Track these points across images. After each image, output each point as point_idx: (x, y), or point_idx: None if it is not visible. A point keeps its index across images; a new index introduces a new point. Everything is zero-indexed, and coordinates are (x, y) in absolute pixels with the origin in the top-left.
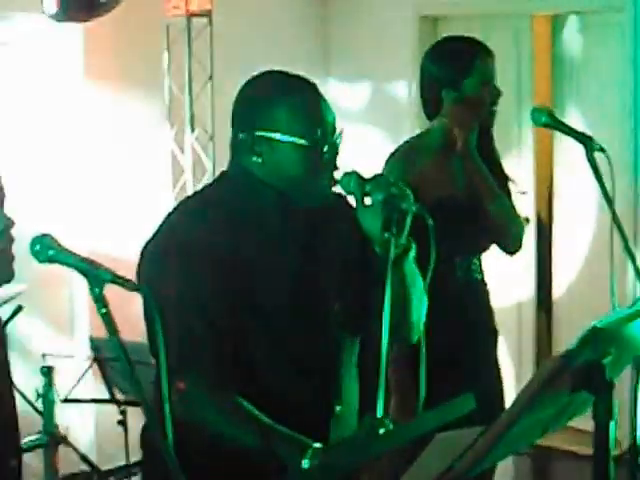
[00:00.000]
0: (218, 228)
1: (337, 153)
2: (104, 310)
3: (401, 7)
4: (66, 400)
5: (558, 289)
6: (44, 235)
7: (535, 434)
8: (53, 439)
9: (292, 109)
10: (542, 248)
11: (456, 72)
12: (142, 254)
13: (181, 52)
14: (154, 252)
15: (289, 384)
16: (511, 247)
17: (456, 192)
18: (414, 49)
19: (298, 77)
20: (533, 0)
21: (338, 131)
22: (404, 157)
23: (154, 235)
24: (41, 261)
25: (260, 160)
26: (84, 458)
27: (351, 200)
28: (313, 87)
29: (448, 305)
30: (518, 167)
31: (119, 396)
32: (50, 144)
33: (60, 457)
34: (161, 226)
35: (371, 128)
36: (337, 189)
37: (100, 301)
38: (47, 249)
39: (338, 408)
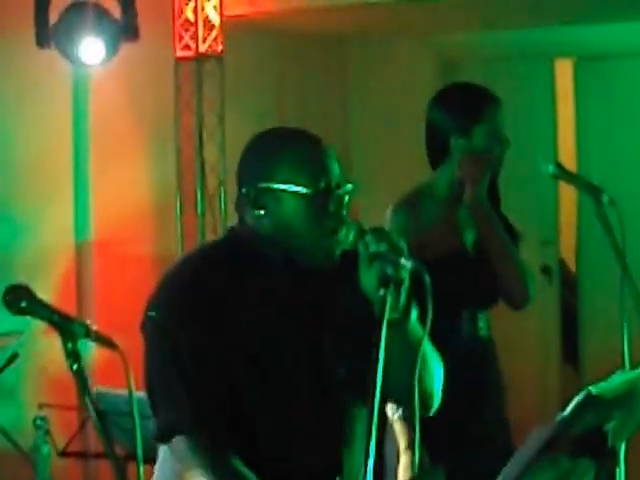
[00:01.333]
0: (222, 287)
1: (343, 206)
2: (76, 366)
3: (421, 53)
4: (63, 453)
5: (585, 342)
6: (18, 286)
7: None
8: None
9: (295, 160)
10: (568, 298)
11: (465, 119)
12: (146, 310)
13: (191, 92)
14: (156, 306)
15: (291, 450)
16: (518, 302)
17: (463, 244)
18: (431, 92)
19: (303, 132)
20: (555, 43)
21: (348, 186)
22: (409, 207)
23: (157, 290)
24: (13, 313)
25: (263, 213)
26: None
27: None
28: (317, 140)
29: (453, 363)
30: (541, 215)
31: (119, 451)
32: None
33: None
34: (164, 282)
35: (389, 176)
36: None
37: (72, 356)
38: (20, 300)
39: (338, 479)
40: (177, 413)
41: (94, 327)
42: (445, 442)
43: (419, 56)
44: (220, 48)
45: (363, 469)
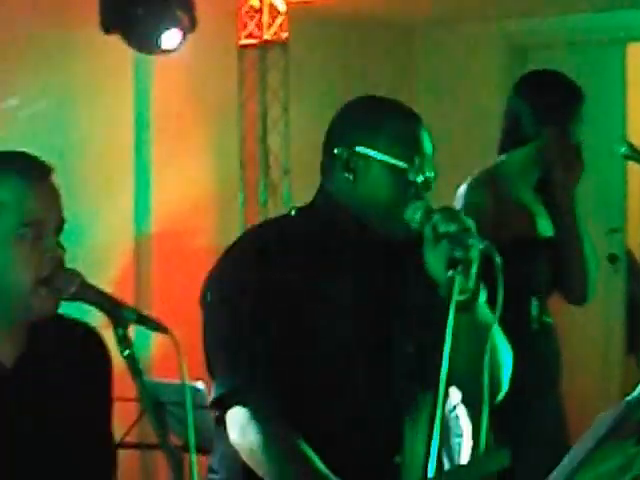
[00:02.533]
0: (286, 257)
1: (429, 189)
2: (127, 352)
3: (489, 37)
4: (120, 445)
5: None
6: (69, 270)
7: None
8: None
9: (395, 132)
10: (633, 288)
11: (562, 112)
12: (208, 276)
13: (255, 81)
14: (219, 280)
15: (351, 429)
16: (575, 299)
17: (535, 229)
18: (503, 80)
19: (403, 105)
20: (627, 28)
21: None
22: (484, 185)
23: (220, 259)
24: (63, 299)
25: (352, 177)
26: None
27: None
28: (418, 117)
29: (520, 347)
30: (608, 202)
31: (175, 441)
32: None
33: None
34: (229, 250)
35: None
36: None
37: (123, 342)
38: (70, 286)
39: (397, 458)
40: (239, 380)
41: (144, 312)
42: (510, 425)
43: (487, 42)
44: (285, 35)
45: (425, 451)
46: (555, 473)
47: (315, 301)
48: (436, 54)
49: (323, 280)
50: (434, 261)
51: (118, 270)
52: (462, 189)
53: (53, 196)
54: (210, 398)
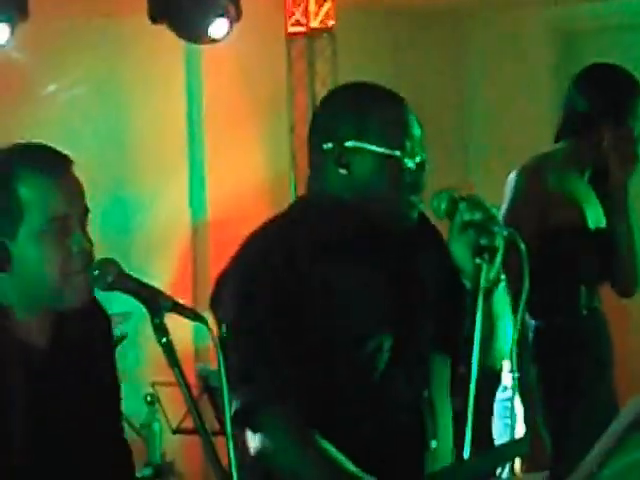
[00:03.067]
0: (303, 256)
1: (424, 171)
2: (164, 340)
3: (538, 21)
4: (177, 431)
5: None
6: (106, 261)
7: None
8: (159, 471)
9: (382, 119)
10: None
11: (620, 108)
12: (220, 281)
13: (304, 69)
14: (233, 280)
15: (382, 417)
16: (625, 291)
17: (584, 219)
18: (553, 64)
19: (385, 89)
20: None
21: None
22: (534, 172)
23: (233, 262)
24: (101, 288)
25: (346, 172)
26: None
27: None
28: (402, 100)
29: (570, 332)
30: None
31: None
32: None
33: None
34: (241, 254)
35: (505, 154)
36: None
37: (160, 330)
38: (107, 275)
39: (434, 443)
40: (265, 385)
41: (180, 300)
42: (561, 410)
43: (537, 26)
44: (332, 23)
45: (452, 433)
46: (589, 457)
47: (331, 295)
48: (486, 39)
49: (340, 275)
50: (460, 249)
51: (176, 257)
52: (512, 176)
53: (75, 189)
54: (236, 410)
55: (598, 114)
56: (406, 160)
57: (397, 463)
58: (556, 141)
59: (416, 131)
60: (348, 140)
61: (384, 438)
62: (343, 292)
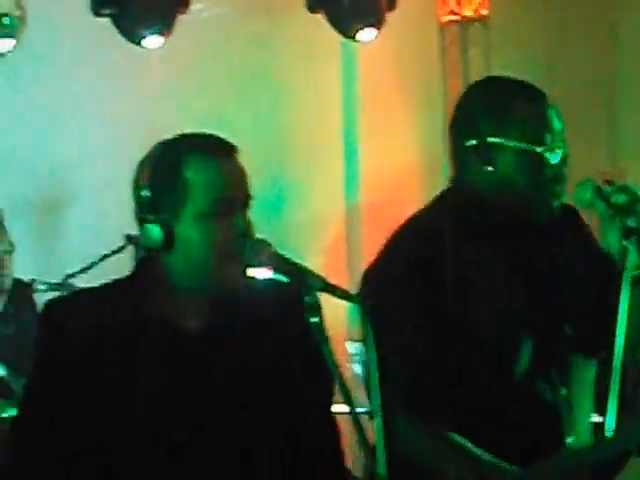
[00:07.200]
0: (441, 257)
1: (565, 164)
2: (315, 319)
3: None
4: None
5: None
6: (259, 240)
7: None
8: None
9: (523, 115)
10: None
11: None
12: (369, 276)
13: (457, 57)
14: (383, 275)
15: (517, 409)
16: None
17: None
18: None
19: (524, 83)
20: None
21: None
22: None
23: (382, 258)
24: (253, 267)
25: (491, 169)
26: None
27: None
28: (541, 94)
29: None
30: None
31: None
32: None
33: None
34: (389, 249)
35: None
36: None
37: (311, 309)
38: (259, 255)
39: (570, 440)
40: (406, 382)
41: (330, 280)
42: None
43: None
44: (485, 12)
45: (590, 425)
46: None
47: (478, 294)
48: None
49: (482, 267)
50: (610, 234)
51: (330, 239)
52: None
53: (239, 173)
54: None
55: None
56: (547, 155)
57: (533, 458)
58: None
59: (557, 125)
60: (490, 136)
61: (522, 435)
62: (488, 291)
